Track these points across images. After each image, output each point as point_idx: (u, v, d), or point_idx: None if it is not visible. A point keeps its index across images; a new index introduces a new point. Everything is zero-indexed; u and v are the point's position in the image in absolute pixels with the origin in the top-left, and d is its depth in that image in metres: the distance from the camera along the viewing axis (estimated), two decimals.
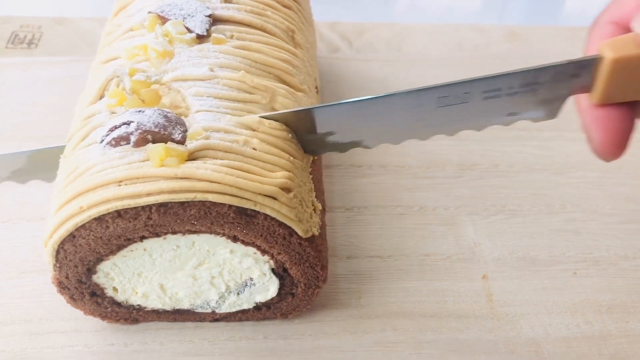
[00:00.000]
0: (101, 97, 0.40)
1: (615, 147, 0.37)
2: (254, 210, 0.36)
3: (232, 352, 0.43)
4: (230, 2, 0.46)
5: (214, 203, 0.35)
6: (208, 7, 0.44)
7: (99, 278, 0.40)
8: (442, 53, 0.71)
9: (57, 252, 0.37)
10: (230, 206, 0.35)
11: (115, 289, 0.41)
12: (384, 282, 0.47)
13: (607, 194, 0.55)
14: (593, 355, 0.44)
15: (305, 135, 0.41)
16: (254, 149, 0.37)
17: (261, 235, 0.38)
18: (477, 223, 0.52)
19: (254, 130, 0.38)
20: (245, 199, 0.35)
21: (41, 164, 0.44)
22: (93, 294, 0.41)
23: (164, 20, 0.42)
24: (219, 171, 0.35)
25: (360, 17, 0.81)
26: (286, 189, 0.37)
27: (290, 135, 0.40)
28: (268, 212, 0.36)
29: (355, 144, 0.42)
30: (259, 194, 0.36)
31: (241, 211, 0.36)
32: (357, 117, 0.40)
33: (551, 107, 0.39)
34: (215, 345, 0.43)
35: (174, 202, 0.35)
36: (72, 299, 0.41)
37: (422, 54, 0.70)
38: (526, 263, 0.49)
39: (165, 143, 0.35)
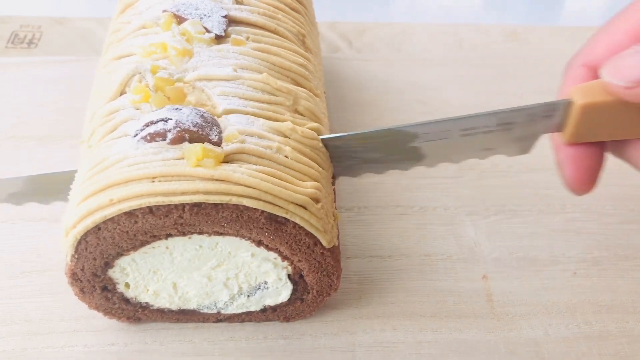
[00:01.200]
0: (122, 94, 0.40)
1: (585, 183, 0.40)
2: (285, 218, 0.36)
3: (232, 352, 0.43)
4: (241, 4, 0.46)
5: (247, 207, 0.35)
6: (223, 8, 0.44)
7: (114, 272, 0.40)
8: (442, 53, 0.71)
9: (79, 242, 0.37)
10: (262, 212, 0.35)
11: (127, 285, 0.41)
12: (384, 282, 0.48)
13: (607, 194, 0.55)
14: (593, 356, 0.44)
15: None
16: (286, 156, 0.37)
17: (287, 243, 0.38)
18: (477, 223, 0.52)
19: (287, 137, 0.38)
20: (278, 206, 0.36)
21: (38, 188, 0.44)
22: (104, 288, 0.41)
23: (180, 19, 0.42)
24: (255, 176, 0.35)
25: (360, 17, 0.81)
26: (315, 199, 0.37)
27: (320, 144, 0.40)
28: (298, 221, 0.36)
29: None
30: (292, 202, 0.36)
31: (272, 218, 0.36)
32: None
33: (525, 144, 0.42)
34: (216, 345, 0.43)
35: (208, 203, 0.35)
36: (82, 292, 0.41)
37: (422, 54, 0.70)
38: (526, 263, 0.49)
39: (202, 143, 0.35)
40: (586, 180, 0.41)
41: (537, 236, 0.51)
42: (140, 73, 0.40)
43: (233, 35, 0.43)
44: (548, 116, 0.40)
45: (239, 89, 0.39)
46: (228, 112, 0.38)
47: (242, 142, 0.36)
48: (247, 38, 0.43)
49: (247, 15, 0.45)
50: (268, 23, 0.45)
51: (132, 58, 0.42)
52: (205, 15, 0.43)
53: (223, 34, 0.42)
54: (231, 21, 0.44)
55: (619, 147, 0.41)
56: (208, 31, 0.42)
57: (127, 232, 0.36)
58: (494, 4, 0.93)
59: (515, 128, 0.40)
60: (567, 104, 0.38)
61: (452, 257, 0.50)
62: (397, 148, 0.42)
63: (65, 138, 0.57)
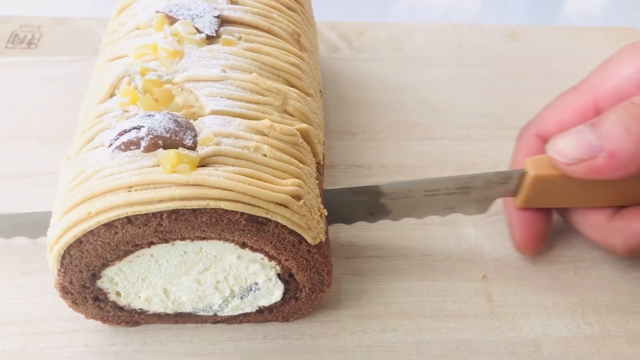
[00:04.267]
0: (112, 96, 0.40)
1: (533, 245, 0.47)
2: (265, 218, 0.36)
3: (231, 352, 0.43)
4: (236, 4, 0.46)
5: (226, 210, 0.35)
6: (215, 8, 0.44)
7: (103, 283, 0.40)
8: (442, 53, 0.71)
9: (63, 257, 0.37)
10: (241, 214, 0.35)
11: (118, 294, 0.41)
12: (384, 283, 0.47)
13: None
14: (593, 356, 0.44)
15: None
16: (264, 155, 0.37)
17: (271, 242, 0.38)
18: (477, 223, 0.52)
19: (265, 135, 0.38)
20: (258, 207, 0.35)
21: (27, 225, 0.47)
22: (96, 299, 0.41)
23: (172, 20, 0.42)
24: (232, 178, 0.34)
25: (360, 17, 0.81)
26: (296, 197, 0.37)
27: (300, 140, 0.40)
28: (279, 220, 0.36)
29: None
30: (271, 202, 0.35)
31: (252, 219, 0.36)
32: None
33: (482, 205, 0.46)
34: (215, 345, 0.43)
35: (186, 209, 0.34)
36: (75, 304, 0.41)
37: (422, 54, 0.70)
38: (526, 263, 0.49)
39: (176, 148, 0.35)
40: (534, 242, 0.46)
41: None
42: (129, 75, 0.39)
43: (224, 36, 0.42)
44: (503, 183, 0.44)
45: (227, 90, 0.39)
46: (215, 112, 0.38)
47: (218, 144, 0.36)
48: (240, 38, 0.43)
49: (241, 15, 0.44)
50: (261, 22, 0.45)
51: (123, 60, 0.42)
52: (197, 15, 0.43)
53: (214, 34, 0.42)
54: (224, 21, 0.44)
55: (564, 211, 0.46)
56: (199, 32, 0.42)
57: (109, 243, 0.36)
58: (494, 4, 0.93)
59: (473, 191, 0.45)
60: (521, 174, 0.43)
61: (452, 257, 0.49)
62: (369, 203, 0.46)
63: (66, 138, 0.57)
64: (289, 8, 0.49)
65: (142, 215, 0.34)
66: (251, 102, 0.39)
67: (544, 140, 0.44)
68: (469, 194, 0.45)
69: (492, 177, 0.44)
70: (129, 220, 0.35)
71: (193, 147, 0.35)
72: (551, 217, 0.47)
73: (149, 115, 0.36)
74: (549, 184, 0.43)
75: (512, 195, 0.45)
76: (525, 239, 0.46)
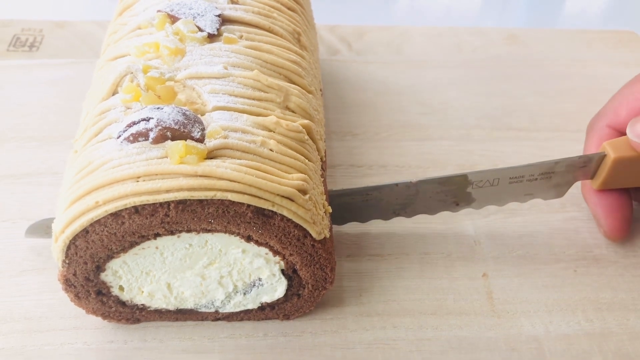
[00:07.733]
0: (114, 94, 0.40)
1: (620, 230, 0.49)
2: (271, 211, 0.36)
3: (231, 350, 0.43)
4: (236, 3, 0.46)
5: (233, 202, 0.35)
6: (216, 7, 0.44)
7: (107, 276, 0.40)
8: (441, 55, 0.71)
9: (68, 247, 0.37)
10: (248, 206, 0.35)
11: (121, 288, 0.41)
12: (384, 280, 0.47)
13: None
14: (594, 353, 0.44)
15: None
16: (270, 149, 0.37)
17: (276, 236, 0.38)
18: (477, 222, 0.52)
19: (271, 131, 0.38)
20: (264, 199, 0.35)
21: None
22: (99, 293, 0.41)
23: (173, 19, 0.43)
24: (239, 170, 0.35)
25: (359, 20, 0.81)
26: (302, 191, 0.37)
27: (306, 137, 0.40)
28: (285, 213, 0.36)
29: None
30: (277, 194, 0.36)
31: (259, 211, 0.36)
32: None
33: (560, 190, 0.49)
34: (215, 342, 0.43)
35: (193, 200, 0.34)
36: (77, 297, 0.41)
37: (422, 57, 0.71)
38: (526, 261, 0.49)
39: (185, 141, 0.35)
40: (620, 228, 0.49)
41: (537, 235, 0.51)
42: (132, 73, 0.40)
43: (225, 34, 0.43)
44: (583, 166, 0.47)
45: (229, 87, 0.39)
46: (217, 109, 0.38)
47: (226, 137, 0.36)
48: (241, 37, 0.44)
49: (242, 14, 0.45)
50: (262, 21, 0.45)
51: (125, 58, 0.42)
52: (198, 14, 0.43)
53: (216, 32, 0.43)
54: (225, 20, 0.44)
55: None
56: (201, 30, 0.42)
57: (115, 233, 0.36)
58: (493, 6, 0.94)
59: (554, 176, 0.47)
60: (601, 157, 0.46)
61: (452, 256, 0.49)
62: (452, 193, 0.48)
63: (66, 139, 0.57)
64: (289, 8, 0.50)
65: (149, 205, 0.34)
66: (253, 99, 0.40)
67: (616, 130, 0.48)
68: (550, 178, 0.47)
69: (574, 161, 0.46)
70: (136, 210, 0.35)
71: (201, 140, 0.36)
72: (632, 205, 0.50)
73: (158, 107, 0.36)
74: (628, 165, 0.46)
75: (590, 178, 0.48)
76: (613, 226, 0.49)
